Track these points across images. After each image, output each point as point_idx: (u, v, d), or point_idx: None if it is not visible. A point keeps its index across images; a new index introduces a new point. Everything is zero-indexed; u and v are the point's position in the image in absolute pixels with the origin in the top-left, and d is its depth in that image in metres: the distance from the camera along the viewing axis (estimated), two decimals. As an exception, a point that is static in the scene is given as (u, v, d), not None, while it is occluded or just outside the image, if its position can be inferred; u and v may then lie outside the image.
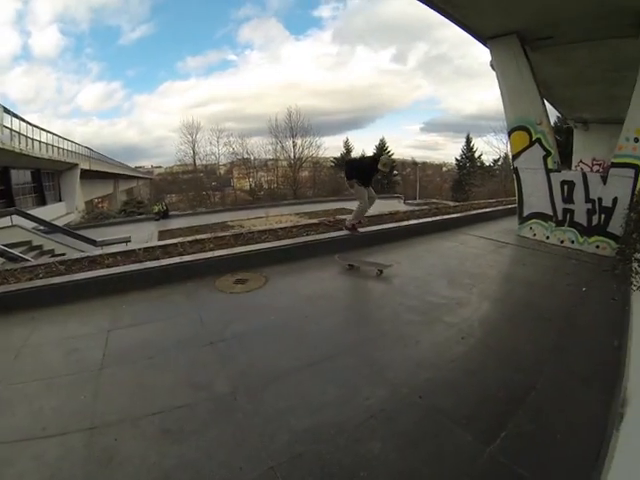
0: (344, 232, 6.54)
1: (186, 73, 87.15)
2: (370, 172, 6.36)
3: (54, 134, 23.84)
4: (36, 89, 79.17)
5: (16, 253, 9.32)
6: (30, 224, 12.95)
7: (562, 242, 7.56)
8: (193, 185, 37.69)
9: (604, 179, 7.09)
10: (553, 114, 19.66)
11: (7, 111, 17.69)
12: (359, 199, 6.45)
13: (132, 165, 48.01)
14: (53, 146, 23.29)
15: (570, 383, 2.80)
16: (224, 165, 42.24)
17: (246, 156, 38.88)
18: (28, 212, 14.08)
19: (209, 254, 5.28)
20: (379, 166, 6.25)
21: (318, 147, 39.11)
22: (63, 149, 25.03)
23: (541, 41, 7.88)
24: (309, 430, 2.25)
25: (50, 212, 19.40)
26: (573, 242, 7.44)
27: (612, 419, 2.13)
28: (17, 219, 12.47)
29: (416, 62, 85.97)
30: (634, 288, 3.49)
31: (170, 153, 65.62)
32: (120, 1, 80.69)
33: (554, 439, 2.20)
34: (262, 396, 2.57)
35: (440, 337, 3.48)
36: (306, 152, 38.74)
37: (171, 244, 5.74)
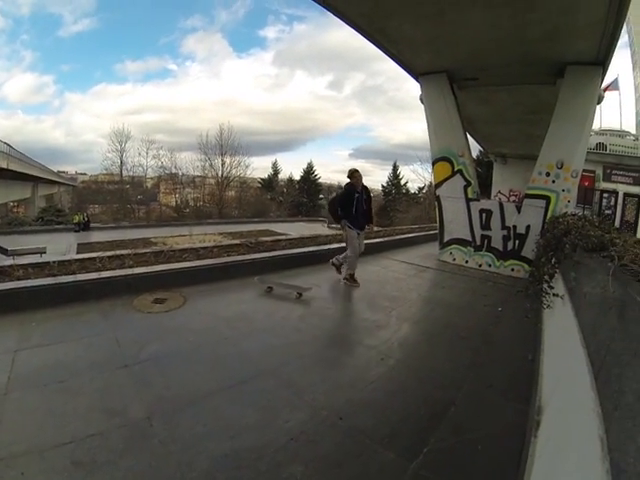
0: (265, 254, 6.52)
1: (123, 77, 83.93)
2: (350, 196, 5.89)
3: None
4: (-44, 71, 69.18)
5: None
6: None
7: (480, 266, 8.17)
8: (118, 197, 35.55)
9: (519, 208, 7.88)
10: (475, 148, 21.63)
11: None
12: (349, 245, 5.99)
13: (55, 169, 43.79)
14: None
15: (488, 396, 2.97)
16: (151, 178, 40.52)
17: (174, 171, 37.78)
18: None
19: (128, 271, 4.98)
20: (348, 178, 5.98)
21: (246, 167, 39.15)
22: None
23: (468, 81, 8.60)
24: (229, 455, 2.16)
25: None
26: (490, 266, 8.07)
27: (530, 427, 2.26)
28: None
29: (351, 91, 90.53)
30: (544, 307, 3.89)
31: (97, 160, 61.11)
32: None
33: (475, 450, 2.30)
34: (179, 421, 2.42)
35: (359, 359, 3.56)
36: (234, 171, 38.58)
37: (89, 258, 5.37)
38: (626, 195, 18.89)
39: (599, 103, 7.82)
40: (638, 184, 18.79)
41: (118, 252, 5.84)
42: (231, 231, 18.08)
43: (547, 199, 7.54)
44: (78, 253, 10.52)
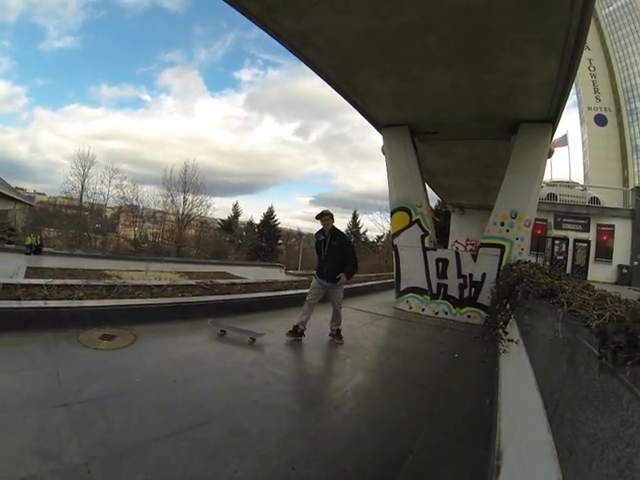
0: (220, 296, 6.40)
1: (97, 100, 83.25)
2: (316, 240, 5.62)
3: None
4: None
5: None
6: None
7: (437, 313, 8.30)
8: (75, 223, 33.88)
9: (474, 257, 8.15)
10: (434, 198, 22.59)
11: None
12: (339, 302, 5.55)
13: (12, 184, 41.61)
14: None
15: (447, 443, 2.93)
16: (111, 208, 39.27)
17: (136, 204, 36.80)
18: None
19: (76, 303, 4.68)
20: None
21: (208, 207, 38.37)
22: None
23: (429, 135, 9.10)
24: (170, 509, 1.98)
25: None
26: (447, 313, 8.22)
27: (490, 472, 2.23)
28: None
29: (317, 138, 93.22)
30: (500, 352, 3.95)
31: (58, 181, 58.97)
32: (58, 4, 75.29)
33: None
34: (120, 469, 2.20)
35: (312, 407, 3.45)
36: (195, 210, 37.72)
37: (36, 284, 5.04)
38: (576, 241, 20.28)
39: (549, 157, 8.47)
40: (587, 230, 20.23)
41: (68, 281, 5.53)
42: (188, 270, 17.58)
43: (502, 248, 7.90)
44: (26, 277, 9.85)
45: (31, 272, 12.17)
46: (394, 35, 5.56)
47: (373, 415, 3.37)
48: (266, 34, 5.77)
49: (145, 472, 2.21)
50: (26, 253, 18.70)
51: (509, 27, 5.12)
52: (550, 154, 8.50)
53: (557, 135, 12.10)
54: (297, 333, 5.31)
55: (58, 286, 5.13)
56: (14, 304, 4.25)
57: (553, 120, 7.83)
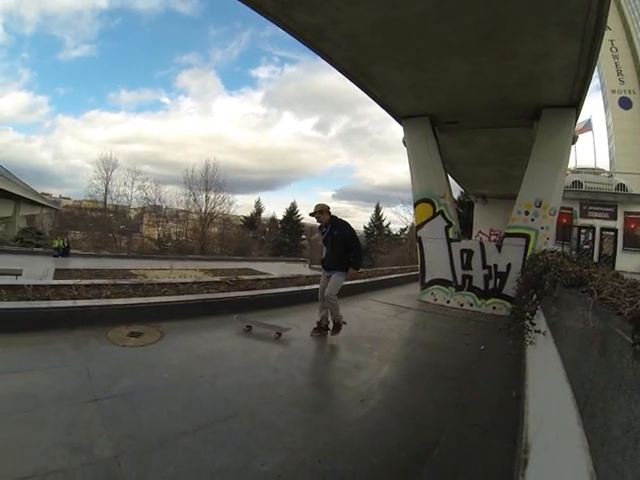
0: (245, 292, 6.45)
1: (116, 106, 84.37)
2: (336, 237, 5.17)
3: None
4: (-49, 78, 68.98)
5: None
6: None
7: (462, 305, 8.20)
8: (100, 225, 34.97)
9: (499, 247, 8.00)
10: (457, 189, 22.24)
11: None
12: (331, 287, 5.11)
13: (39, 190, 43.11)
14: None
15: (473, 436, 2.89)
16: (135, 209, 40.39)
17: (158, 204, 37.58)
18: None
19: (104, 302, 4.82)
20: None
21: (230, 204, 38.86)
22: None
23: (449, 124, 8.94)
24: (200, 500, 2.00)
25: None
26: (472, 305, 8.10)
27: (517, 465, 2.20)
28: None
29: (337, 132, 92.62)
30: (527, 343, 3.87)
31: (82, 185, 60.86)
32: (73, 15, 75.59)
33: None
34: (149, 461, 2.26)
35: (339, 400, 3.46)
36: (218, 208, 38.23)
37: (65, 285, 5.19)
38: (603, 230, 19.57)
39: (574, 143, 8.22)
40: (614, 219, 19.51)
41: (96, 281, 5.70)
42: (212, 268, 17.84)
43: (527, 237, 7.72)
44: (55, 278, 10.19)
45: (59, 273, 12.61)
46: (409, 25, 5.48)
47: (399, 408, 3.36)
48: (280, 31, 5.79)
49: (174, 465, 2.26)
50: (54, 255, 19.32)
51: (527, 11, 4.97)
52: (574, 140, 8.25)
53: (580, 120, 11.73)
54: (321, 328, 5.28)
55: (86, 286, 5.27)
56: (44, 304, 4.40)
57: (576, 105, 7.59)
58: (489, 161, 12.99)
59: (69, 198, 52.14)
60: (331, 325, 5.26)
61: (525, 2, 4.79)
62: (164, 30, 79.25)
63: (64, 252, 20.10)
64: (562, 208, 8.39)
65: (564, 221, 18.49)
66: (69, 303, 4.58)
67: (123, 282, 5.92)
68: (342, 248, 5.08)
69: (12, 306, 4.18)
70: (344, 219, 5.36)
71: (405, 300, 8.46)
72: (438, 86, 7.38)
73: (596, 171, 23.18)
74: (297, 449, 2.56)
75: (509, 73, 6.57)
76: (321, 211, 5.15)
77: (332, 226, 5.15)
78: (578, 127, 11.23)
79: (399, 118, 9.34)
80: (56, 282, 5.60)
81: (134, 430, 2.58)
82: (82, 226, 36.72)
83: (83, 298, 4.84)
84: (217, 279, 7.29)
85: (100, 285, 5.44)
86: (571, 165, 20.13)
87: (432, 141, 8.88)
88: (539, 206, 7.67)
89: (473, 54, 6.10)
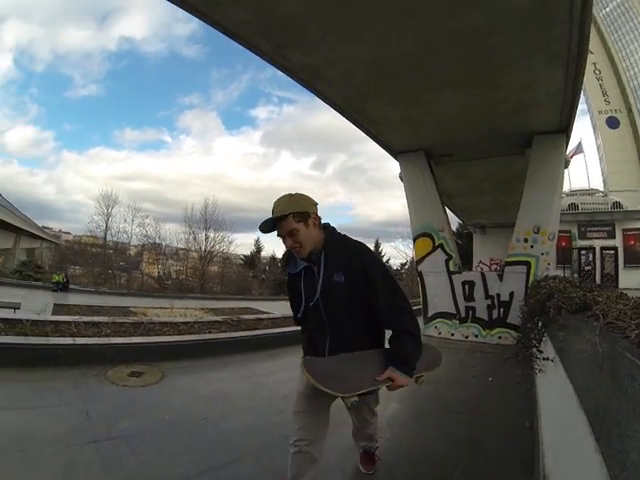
0: (247, 332, 6.38)
1: (120, 143, 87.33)
2: (340, 288, 1.97)
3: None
4: (-38, 109, 70.97)
5: None
6: None
7: (467, 337, 8.10)
8: (100, 261, 34.70)
9: (500, 277, 7.99)
10: (455, 221, 22.33)
11: None
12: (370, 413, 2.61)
13: (40, 223, 43.48)
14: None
15: (489, 471, 2.80)
16: (135, 246, 40.08)
17: (158, 241, 37.38)
18: None
19: (105, 340, 4.78)
20: None
21: (230, 243, 38.34)
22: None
23: (444, 157, 9.14)
24: None
25: None
26: (477, 336, 8.00)
27: None
28: None
29: (333, 171, 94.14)
30: (536, 371, 3.79)
31: (83, 221, 61.84)
32: (83, 55, 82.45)
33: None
34: None
35: (346, 440, 3.36)
36: (217, 247, 37.86)
37: (64, 321, 5.21)
38: (603, 249, 19.64)
39: (566, 167, 8.36)
40: (612, 237, 19.61)
41: (96, 319, 5.69)
42: (213, 307, 17.69)
43: (527, 264, 7.73)
44: (54, 314, 10.05)
45: (58, 309, 12.44)
46: (401, 62, 5.70)
47: (410, 446, 3.24)
48: (279, 72, 6.01)
49: (177, 512, 2.17)
50: (53, 290, 19.15)
51: (513, 42, 5.20)
52: (567, 164, 8.41)
53: (571, 145, 11.99)
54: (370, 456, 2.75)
55: (86, 323, 5.25)
56: (42, 340, 4.37)
57: (566, 130, 7.80)
58: (485, 191, 13.18)
59: (69, 233, 52.56)
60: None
61: (511, 32, 5.00)
62: (168, 72, 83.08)
63: (63, 287, 19.96)
64: (560, 231, 8.45)
65: (563, 244, 18.55)
66: (68, 340, 4.54)
67: (123, 320, 5.91)
68: (357, 313, 1.97)
69: (9, 341, 4.16)
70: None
71: (408, 335, 8.34)
72: (431, 120, 7.58)
73: (591, 192, 23.51)
74: (304, 493, 2.46)
75: (499, 103, 6.78)
76: (299, 214, 1.93)
77: (327, 257, 1.99)
78: (570, 151, 11.47)
79: (395, 153, 9.53)
80: (55, 318, 5.61)
81: (134, 474, 2.49)
82: (82, 261, 36.41)
83: (83, 336, 4.81)
84: (219, 319, 7.27)
85: (100, 323, 5.42)
86: (566, 188, 20.37)
87: (428, 175, 9.01)
88: (537, 232, 7.71)
89: (464, 86, 6.32)
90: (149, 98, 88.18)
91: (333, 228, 2.12)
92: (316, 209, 2.03)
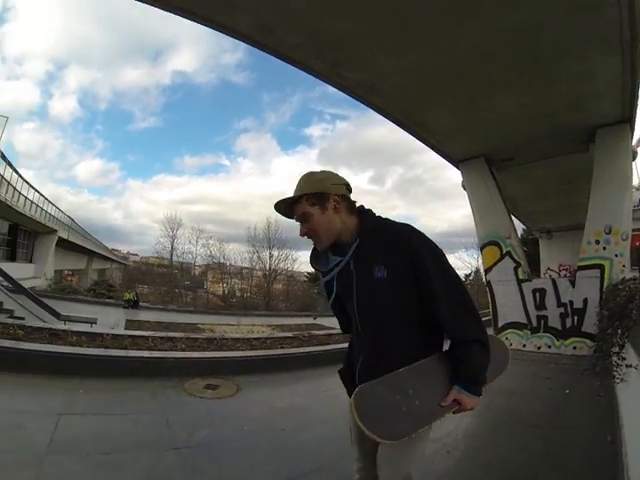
0: (318, 347, 6.46)
1: (180, 170, 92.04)
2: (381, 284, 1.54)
3: (42, 195, 24.62)
4: (41, 148, 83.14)
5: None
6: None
7: (539, 348, 7.71)
8: (167, 280, 36.70)
9: (572, 282, 7.57)
10: (519, 227, 21.26)
11: (3, 157, 18.14)
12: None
13: (109, 246, 48.13)
14: (37, 206, 23.54)
15: None
16: (199, 266, 41.87)
17: (222, 261, 38.72)
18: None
19: (180, 354, 5.08)
20: None
21: (294, 261, 38.76)
22: (46, 212, 25.37)
23: (505, 162, 8.89)
24: None
25: (17, 270, 18.03)
26: (550, 347, 7.61)
27: None
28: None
29: (392, 184, 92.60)
30: (617, 381, 3.57)
31: (149, 243, 66.99)
32: (141, 91, 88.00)
33: None
34: None
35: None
36: (281, 265, 38.47)
37: (141, 336, 5.58)
38: (683, 245, 17.67)
39: (634, 159, 7.81)
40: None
41: (170, 334, 6.01)
42: (279, 323, 18.05)
43: (601, 267, 7.27)
44: (126, 329, 10.78)
45: (130, 324, 13.32)
46: (454, 69, 5.69)
47: (486, 458, 3.18)
48: (329, 90, 6.43)
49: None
50: (124, 307, 20.36)
51: (562, 34, 5.05)
52: (635, 156, 7.88)
53: (637, 135, 11.13)
54: None
55: (161, 338, 5.60)
56: (122, 352, 4.73)
57: (629, 119, 7.31)
58: (549, 193, 12.58)
59: (137, 254, 56.42)
60: None
61: (560, 25, 4.86)
62: (221, 99, 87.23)
63: (134, 304, 21.11)
64: (634, 230, 7.81)
65: (638, 244, 17.01)
66: (145, 353, 4.85)
67: (197, 336, 6.26)
68: (405, 318, 1.53)
69: (92, 352, 4.51)
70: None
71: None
72: (489, 124, 7.44)
73: (663, 184, 21.40)
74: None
75: (557, 99, 6.53)
76: (314, 196, 1.59)
77: (362, 247, 1.56)
78: (636, 143, 10.67)
79: (455, 162, 9.40)
80: (131, 332, 5.99)
81: (215, 482, 2.57)
82: (149, 281, 38.52)
83: (158, 349, 5.10)
84: (290, 334, 7.44)
85: (175, 338, 5.74)
86: (635, 182, 18.77)
87: (491, 181, 8.82)
88: (609, 233, 7.22)
89: (518, 86, 6.17)
90: (205, 125, 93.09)
91: (368, 211, 1.70)
92: (340, 189, 1.63)
